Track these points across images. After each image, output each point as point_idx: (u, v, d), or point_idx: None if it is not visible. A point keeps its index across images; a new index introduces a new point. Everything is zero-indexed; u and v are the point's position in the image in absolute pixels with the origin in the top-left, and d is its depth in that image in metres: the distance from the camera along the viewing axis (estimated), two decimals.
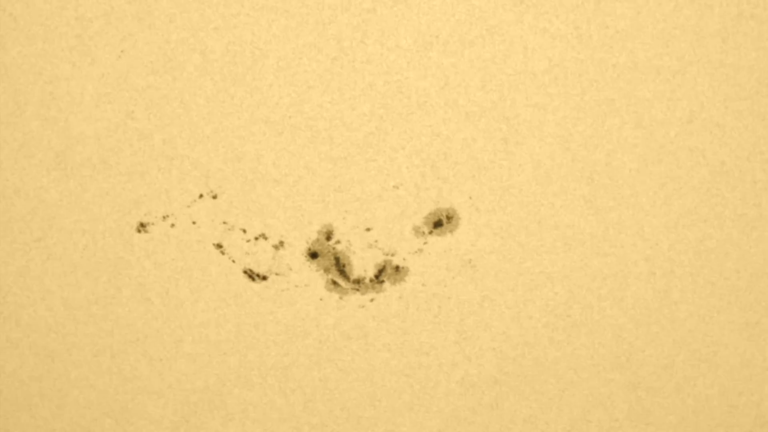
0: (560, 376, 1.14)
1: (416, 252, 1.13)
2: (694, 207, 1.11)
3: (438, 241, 1.13)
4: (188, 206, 1.13)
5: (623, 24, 1.09)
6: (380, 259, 1.13)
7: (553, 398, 1.15)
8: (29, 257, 1.15)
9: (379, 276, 1.13)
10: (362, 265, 1.13)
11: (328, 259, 1.13)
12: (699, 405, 1.15)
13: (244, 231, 1.13)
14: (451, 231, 1.12)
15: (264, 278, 1.14)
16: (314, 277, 1.14)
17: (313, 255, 1.13)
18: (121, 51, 1.12)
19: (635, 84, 1.09)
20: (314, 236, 1.13)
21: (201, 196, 1.13)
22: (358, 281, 1.13)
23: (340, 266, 1.13)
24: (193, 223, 1.14)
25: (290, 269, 1.14)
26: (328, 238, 1.13)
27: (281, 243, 1.13)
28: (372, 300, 1.14)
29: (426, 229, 1.12)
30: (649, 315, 1.13)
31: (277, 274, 1.14)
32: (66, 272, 1.15)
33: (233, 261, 1.14)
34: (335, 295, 1.14)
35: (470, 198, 1.11)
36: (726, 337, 1.13)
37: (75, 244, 1.15)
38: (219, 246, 1.14)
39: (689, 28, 1.09)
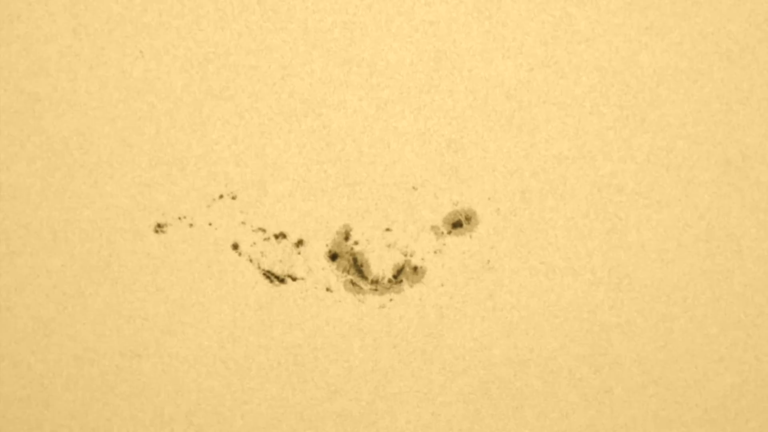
0: (579, 378, 1.15)
1: (435, 252, 1.13)
2: (711, 211, 1.12)
3: (457, 242, 1.13)
4: (208, 206, 1.13)
5: (645, 27, 1.11)
6: (399, 259, 1.13)
7: (571, 399, 1.16)
8: (46, 257, 1.14)
9: (397, 276, 1.14)
10: (381, 266, 1.14)
11: (347, 259, 1.13)
12: (715, 407, 1.16)
13: (264, 231, 1.13)
14: (469, 232, 1.13)
15: (282, 279, 1.14)
16: (333, 277, 1.14)
17: (333, 256, 1.13)
18: (140, 52, 1.12)
19: (655, 87, 1.11)
20: (333, 237, 1.13)
21: (221, 196, 1.13)
22: (376, 282, 1.14)
23: (358, 266, 1.13)
24: (210, 224, 1.14)
25: (310, 270, 1.14)
26: (347, 238, 1.13)
27: (301, 244, 1.13)
28: (391, 300, 1.14)
29: (445, 230, 1.13)
30: (671, 318, 1.14)
31: (294, 279, 1.14)
32: (83, 272, 1.15)
33: (252, 262, 1.14)
34: (354, 296, 1.14)
35: (489, 199, 1.12)
36: (743, 341, 1.15)
37: (93, 243, 1.14)
38: (237, 247, 1.14)
39: (705, 31, 1.11)
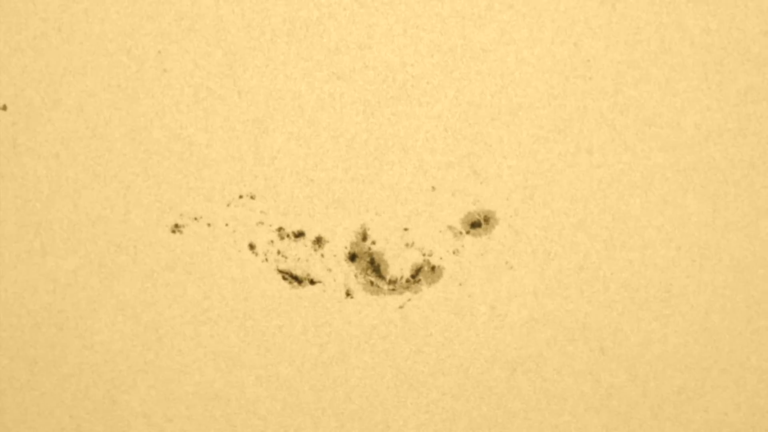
0: (597, 378, 1.16)
1: (453, 252, 1.14)
2: (731, 215, 1.13)
3: (475, 242, 1.14)
4: (228, 204, 1.13)
5: (661, 27, 1.10)
6: (417, 259, 1.14)
7: (590, 399, 1.16)
8: (63, 256, 1.14)
9: (415, 276, 1.14)
10: (399, 265, 1.14)
11: (365, 259, 1.14)
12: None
13: (282, 230, 1.13)
14: (487, 232, 1.13)
15: (300, 280, 1.14)
16: (351, 278, 1.14)
17: (352, 257, 1.13)
18: (159, 52, 1.11)
19: (677, 88, 1.11)
20: (352, 237, 1.13)
21: (241, 197, 1.13)
22: (394, 281, 1.14)
23: (375, 266, 1.14)
24: (226, 225, 1.13)
25: (328, 270, 1.14)
26: (365, 238, 1.13)
27: (319, 244, 1.13)
28: (409, 300, 1.15)
29: (463, 230, 1.13)
30: (691, 319, 1.15)
31: (312, 280, 1.14)
32: (100, 271, 1.15)
33: (269, 262, 1.14)
34: (372, 296, 1.15)
35: (507, 200, 1.12)
36: (748, 347, 1.16)
37: (110, 243, 1.14)
38: (255, 247, 1.14)
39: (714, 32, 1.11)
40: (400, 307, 1.15)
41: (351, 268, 1.14)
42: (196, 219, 1.13)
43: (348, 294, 1.14)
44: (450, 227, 1.13)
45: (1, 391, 1.18)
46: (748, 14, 1.10)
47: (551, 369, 1.15)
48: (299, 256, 1.14)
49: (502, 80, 1.11)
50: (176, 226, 1.14)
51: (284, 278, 1.14)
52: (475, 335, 1.15)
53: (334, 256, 1.14)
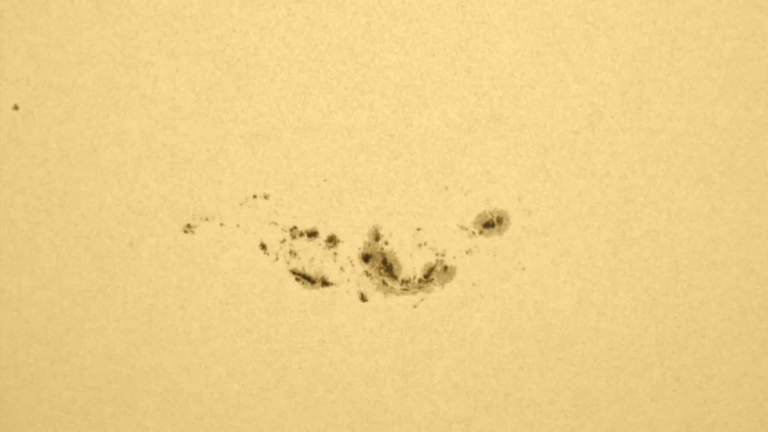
0: (610, 379, 1.16)
1: (466, 253, 1.14)
2: (737, 212, 1.13)
3: (487, 243, 1.14)
4: (240, 204, 1.13)
5: (667, 24, 1.11)
6: (430, 259, 1.14)
7: (603, 400, 1.17)
8: (74, 257, 1.14)
9: (428, 276, 1.14)
10: (411, 265, 1.14)
11: (378, 259, 1.14)
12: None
13: (295, 230, 1.13)
14: (500, 232, 1.14)
15: (313, 281, 1.14)
16: (364, 278, 1.14)
17: (366, 258, 1.13)
18: (171, 51, 1.11)
19: (687, 90, 1.12)
20: (365, 237, 1.13)
21: (255, 196, 1.13)
22: (406, 281, 1.14)
23: (388, 266, 1.14)
24: (238, 226, 1.13)
25: (341, 270, 1.14)
26: (377, 238, 1.14)
27: (332, 244, 1.13)
28: (422, 300, 1.15)
29: (476, 230, 1.14)
30: (705, 324, 1.15)
31: (325, 280, 1.14)
32: (110, 271, 1.14)
33: (282, 262, 1.14)
34: (385, 297, 1.15)
35: (520, 200, 1.13)
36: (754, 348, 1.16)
37: (122, 243, 1.14)
38: (267, 247, 1.14)
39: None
40: (414, 306, 1.15)
41: (364, 269, 1.14)
42: (208, 219, 1.13)
43: (361, 295, 1.14)
44: (463, 227, 1.13)
45: (7, 389, 1.18)
46: (755, 14, 1.11)
47: (563, 369, 1.16)
48: (312, 256, 1.14)
49: (515, 80, 1.11)
50: (188, 226, 1.13)
51: (297, 279, 1.14)
52: (488, 335, 1.15)
53: (347, 257, 1.14)
